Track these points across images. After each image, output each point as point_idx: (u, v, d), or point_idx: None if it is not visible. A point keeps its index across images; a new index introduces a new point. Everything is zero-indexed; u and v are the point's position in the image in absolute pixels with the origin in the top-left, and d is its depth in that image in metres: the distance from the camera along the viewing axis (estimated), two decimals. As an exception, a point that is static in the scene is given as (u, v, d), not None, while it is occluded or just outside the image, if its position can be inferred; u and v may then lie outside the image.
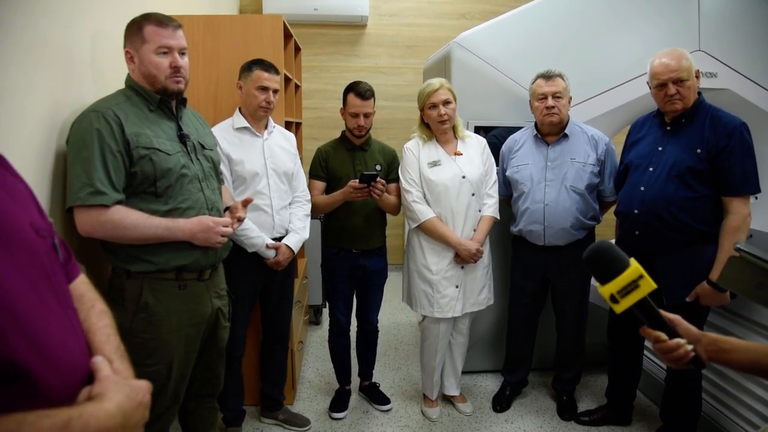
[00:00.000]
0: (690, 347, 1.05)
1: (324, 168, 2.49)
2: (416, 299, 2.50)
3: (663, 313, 1.07)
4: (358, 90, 2.38)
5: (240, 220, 1.80)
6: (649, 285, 1.01)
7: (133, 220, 1.54)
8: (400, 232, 2.56)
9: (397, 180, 2.51)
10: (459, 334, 2.60)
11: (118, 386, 0.83)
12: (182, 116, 1.75)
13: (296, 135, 3.14)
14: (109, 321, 1.02)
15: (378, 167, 2.48)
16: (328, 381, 2.95)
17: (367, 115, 2.41)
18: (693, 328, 1.09)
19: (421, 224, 2.40)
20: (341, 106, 2.48)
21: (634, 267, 1.01)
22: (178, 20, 1.67)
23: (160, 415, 1.69)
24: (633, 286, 1.01)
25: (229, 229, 1.71)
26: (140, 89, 1.65)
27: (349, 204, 2.41)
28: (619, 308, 1.03)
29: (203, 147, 1.79)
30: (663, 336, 1.05)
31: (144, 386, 0.90)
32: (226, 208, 1.84)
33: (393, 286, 2.62)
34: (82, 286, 1.05)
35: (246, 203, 1.86)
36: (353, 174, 2.40)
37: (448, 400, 2.73)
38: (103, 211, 1.51)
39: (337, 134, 2.58)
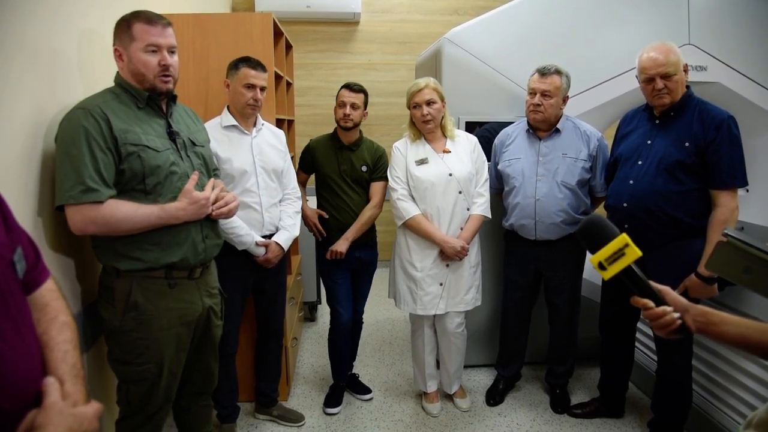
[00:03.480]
0: (677, 315, 1.09)
1: (310, 163, 2.61)
2: (400, 295, 2.52)
3: (651, 283, 1.12)
4: (349, 84, 2.51)
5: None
6: (634, 253, 1.07)
7: (124, 213, 1.54)
8: (394, 229, 2.56)
9: (381, 179, 2.56)
10: (447, 334, 2.55)
11: (61, 417, 0.82)
12: (173, 113, 1.75)
13: (289, 132, 3.15)
14: (69, 335, 0.99)
15: (364, 168, 2.54)
16: (322, 377, 2.96)
17: (354, 107, 2.47)
18: (681, 299, 1.13)
19: (406, 221, 2.41)
20: (335, 103, 2.54)
21: (621, 236, 1.08)
22: (167, 18, 1.66)
23: (152, 414, 1.70)
24: (619, 253, 1.08)
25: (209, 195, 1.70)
26: (129, 87, 1.64)
27: (338, 202, 2.51)
28: (607, 275, 1.10)
29: (194, 144, 1.78)
30: (650, 303, 1.11)
31: (90, 413, 0.88)
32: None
33: (386, 282, 2.66)
34: (47, 294, 1.02)
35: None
36: (337, 173, 2.51)
37: (447, 394, 2.74)
38: (97, 208, 1.51)
39: (331, 131, 2.63)
